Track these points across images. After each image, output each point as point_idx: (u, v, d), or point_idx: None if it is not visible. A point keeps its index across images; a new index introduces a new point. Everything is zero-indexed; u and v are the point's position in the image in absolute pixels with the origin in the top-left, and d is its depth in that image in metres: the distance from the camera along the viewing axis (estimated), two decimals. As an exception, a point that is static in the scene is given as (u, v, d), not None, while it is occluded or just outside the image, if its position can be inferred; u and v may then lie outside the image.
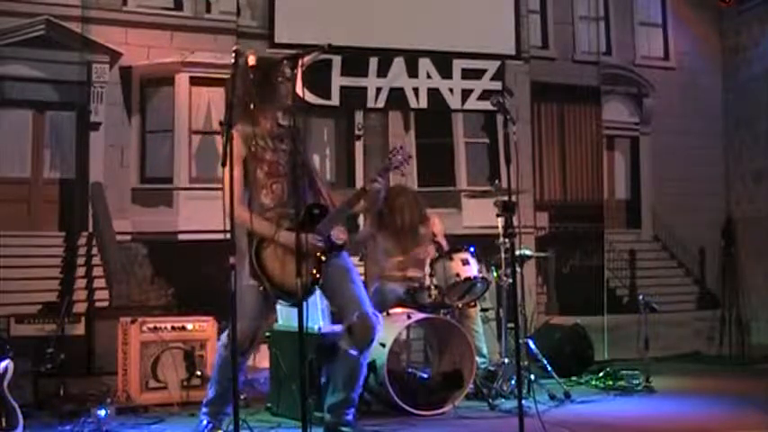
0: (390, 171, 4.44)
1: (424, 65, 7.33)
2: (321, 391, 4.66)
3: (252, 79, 4.18)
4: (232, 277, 3.62)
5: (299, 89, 6.54)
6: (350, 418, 4.40)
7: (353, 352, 4.30)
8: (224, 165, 4.00)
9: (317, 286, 4.22)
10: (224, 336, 4.27)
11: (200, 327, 5.65)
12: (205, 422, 4.29)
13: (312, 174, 4.44)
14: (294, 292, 4.05)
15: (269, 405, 5.21)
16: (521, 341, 5.40)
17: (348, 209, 4.44)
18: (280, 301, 4.34)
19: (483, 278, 5.62)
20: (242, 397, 5.01)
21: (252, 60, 4.15)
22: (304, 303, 3.69)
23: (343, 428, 4.36)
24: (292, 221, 4.15)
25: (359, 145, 7.15)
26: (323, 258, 4.20)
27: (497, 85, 7.42)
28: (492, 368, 5.74)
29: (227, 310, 4.07)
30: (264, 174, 4.23)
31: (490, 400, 5.25)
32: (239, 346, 4.14)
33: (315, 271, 4.16)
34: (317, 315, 4.92)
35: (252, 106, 4.21)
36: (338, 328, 4.65)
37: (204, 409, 4.33)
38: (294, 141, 4.23)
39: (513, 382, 5.43)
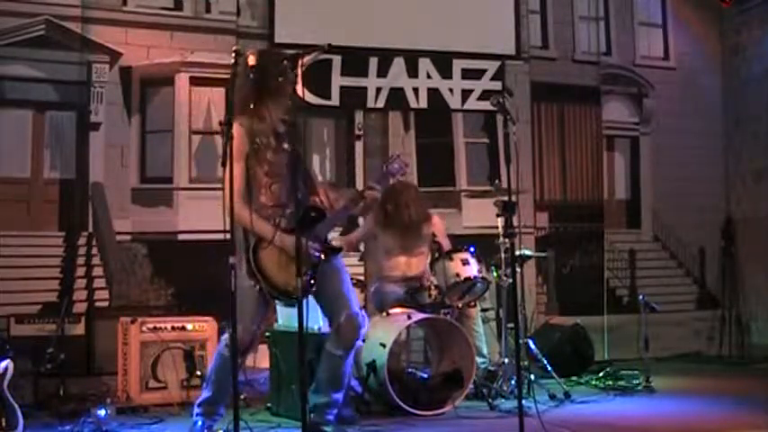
0: (388, 179, 4.45)
1: (424, 65, 7.33)
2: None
3: (252, 78, 4.16)
4: (232, 277, 3.63)
5: (299, 89, 6.53)
6: (331, 418, 4.40)
7: (338, 352, 4.31)
8: (224, 165, 4.01)
9: (312, 288, 4.22)
10: (225, 336, 4.25)
11: (200, 327, 5.64)
12: (200, 423, 4.27)
13: (309, 174, 4.45)
14: (290, 293, 4.09)
15: (269, 405, 5.21)
16: (521, 341, 5.40)
17: (345, 213, 4.52)
18: (276, 300, 4.34)
19: (483, 278, 5.62)
20: (242, 397, 5.01)
21: (252, 60, 4.16)
22: (304, 303, 3.69)
23: (325, 428, 4.35)
24: (289, 222, 4.16)
25: (359, 145, 7.15)
26: (320, 259, 4.22)
27: (497, 85, 7.42)
28: (492, 368, 5.73)
29: (228, 310, 4.11)
30: (264, 173, 4.19)
31: (490, 400, 5.25)
32: (240, 346, 4.15)
33: (311, 273, 4.17)
34: (318, 315, 4.91)
35: (252, 105, 4.18)
36: None
37: (198, 410, 4.31)
38: (294, 141, 4.24)
39: (513, 382, 5.42)
